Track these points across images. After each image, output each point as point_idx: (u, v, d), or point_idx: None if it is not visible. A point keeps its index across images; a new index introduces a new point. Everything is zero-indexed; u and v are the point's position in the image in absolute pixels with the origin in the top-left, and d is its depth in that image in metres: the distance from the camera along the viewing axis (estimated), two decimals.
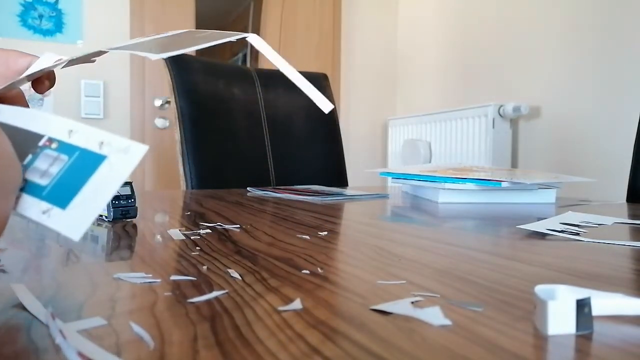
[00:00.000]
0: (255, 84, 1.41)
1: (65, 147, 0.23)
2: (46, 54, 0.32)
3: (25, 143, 0.23)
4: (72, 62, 0.29)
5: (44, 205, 0.21)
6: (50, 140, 0.23)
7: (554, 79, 1.99)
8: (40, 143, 0.23)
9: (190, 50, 0.25)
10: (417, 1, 2.83)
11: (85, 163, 0.22)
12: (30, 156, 0.23)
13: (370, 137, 2.91)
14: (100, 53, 0.29)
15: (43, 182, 0.22)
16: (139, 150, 0.21)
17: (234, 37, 0.27)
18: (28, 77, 0.29)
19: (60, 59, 0.32)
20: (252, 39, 0.26)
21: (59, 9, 2.21)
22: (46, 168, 0.22)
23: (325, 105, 0.25)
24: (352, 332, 0.21)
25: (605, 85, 1.79)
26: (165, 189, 2.36)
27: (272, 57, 0.26)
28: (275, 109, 1.42)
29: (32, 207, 0.21)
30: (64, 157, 0.22)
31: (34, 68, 0.32)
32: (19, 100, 0.32)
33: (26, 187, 0.22)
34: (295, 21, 2.71)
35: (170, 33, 0.30)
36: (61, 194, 0.21)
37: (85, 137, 0.23)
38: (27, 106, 0.32)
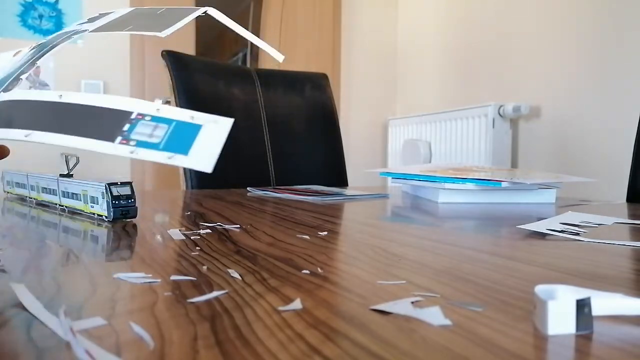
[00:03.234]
0: (255, 84, 1.41)
1: (159, 119, 0.24)
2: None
3: (117, 118, 0.24)
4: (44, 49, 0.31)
5: (167, 153, 0.22)
6: (142, 114, 0.24)
7: (554, 79, 1.99)
8: (132, 117, 0.24)
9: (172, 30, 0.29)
10: (417, 1, 2.83)
11: (185, 129, 0.23)
12: (128, 125, 0.24)
13: (370, 137, 2.91)
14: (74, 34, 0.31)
15: (154, 140, 0.23)
16: (228, 121, 0.23)
17: (193, 13, 0.30)
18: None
19: (19, 51, 0.33)
20: (212, 11, 0.30)
21: (59, 9, 2.21)
22: (150, 132, 0.23)
23: (277, 55, 0.28)
24: (352, 332, 0.21)
25: (605, 85, 1.79)
26: (165, 189, 2.36)
27: (229, 24, 0.29)
28: (275, 109, 1.42)
29: (155, 155, 0.22)
30: (164, 126, 0.24)
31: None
32: None
33: (139, 143, 0.23)
34: (295, 21, 2.71)
35: (114, 14, 0.33)
36: (178, 145, 0.23)
37: (174, 114, 0.24)
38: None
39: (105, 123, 0.24)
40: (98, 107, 0.25)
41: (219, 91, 1.33)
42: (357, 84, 2.86)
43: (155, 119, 0.24)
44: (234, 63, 3.87)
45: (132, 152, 0.23)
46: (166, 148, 0.23)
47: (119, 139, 0.23)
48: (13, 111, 0.26)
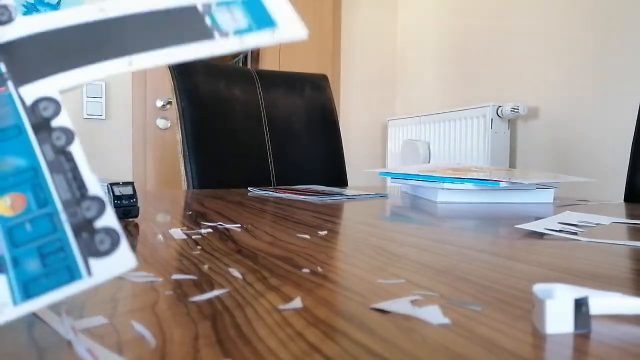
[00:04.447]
0: (256, 85, 1.42)
1: (225, 3, 0.21)
2: None
3: (186, 15, 0.20)
4: None
5: (265, 32, 0.20)
6: (206, 4, 0.21)
7: (552, 80, 1.99)
8: (200, 10, 0.20)
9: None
10: (416, 2, 2.83)
11: (250, 2, 0.20)
12: (207, 17, 0.20)
13: (370, 137, 2.91)
14: None
15: (242, 25, 0.20)
16: None
17: None
18: None
19: None
20: None
21: None
22: (232, 17, 0.20)
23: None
24: (351, 330, 0.21)
25: (603, 85, 1.80)
26: (166, 189, 2.36)
27: None
28: (275, 110, 1.42)
29: (263, 37, 0.20)
30: (236, 7, 0.21)
31: None
32: None
33: (237, 31, 0.20)
34: None
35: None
36: (262, 21, 0.20)
37: None
38: None
39: (178, 25, 0.20)
40: (152, 12, 0.20)
41: (220, 92, 1.33)
42: (357, 84, 2.86)
43: (221, 3, 0.20)
44: (235, 64, 3.87)
45: (242, 43, 0.20)
46: (259, 27, 0.20)
47: (216, 34, 0.19)
48: (39, 50, 0.19)
